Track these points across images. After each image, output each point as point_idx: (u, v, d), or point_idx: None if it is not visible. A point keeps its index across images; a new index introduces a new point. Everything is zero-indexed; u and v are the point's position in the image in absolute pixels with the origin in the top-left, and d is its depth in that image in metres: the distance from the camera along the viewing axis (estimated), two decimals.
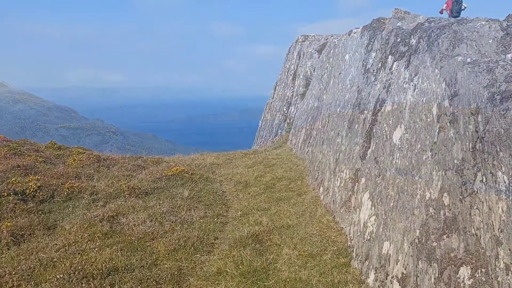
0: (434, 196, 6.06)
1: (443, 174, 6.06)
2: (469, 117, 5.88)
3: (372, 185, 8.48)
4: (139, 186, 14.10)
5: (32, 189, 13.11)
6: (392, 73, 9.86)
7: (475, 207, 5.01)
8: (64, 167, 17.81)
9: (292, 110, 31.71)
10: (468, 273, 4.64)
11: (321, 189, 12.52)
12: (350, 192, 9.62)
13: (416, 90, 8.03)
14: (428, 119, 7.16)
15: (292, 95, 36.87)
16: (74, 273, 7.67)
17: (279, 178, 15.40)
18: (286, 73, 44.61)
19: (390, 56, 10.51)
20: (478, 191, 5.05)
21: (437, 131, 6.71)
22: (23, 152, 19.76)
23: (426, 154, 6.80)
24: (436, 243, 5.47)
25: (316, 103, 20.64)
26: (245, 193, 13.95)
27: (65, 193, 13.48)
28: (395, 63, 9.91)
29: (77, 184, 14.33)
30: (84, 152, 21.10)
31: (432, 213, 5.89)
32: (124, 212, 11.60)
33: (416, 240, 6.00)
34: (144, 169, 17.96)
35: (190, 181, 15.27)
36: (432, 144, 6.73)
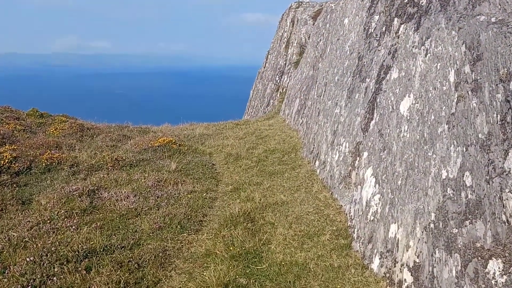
0: (452, 175, 5.33)
1: (464, 150, 5.31)
2: (496, 85, 5.08)
3: (376, 160, 7.74)
4: (124, 158, 13.25)
5: (7, 160, 12.17)
6: (398, 37, 8.97)
7: (507, 190, 4.28)
8: (45, 136, 16.83)
9: (285, 79, 30.70)
10: (499, 268, 3.96)
11: (317, 162, 11.79)
12: (350, 167, 8.88)
13: (429, 55, 7.18)
14: (444, 87, 6.35)
15: (285, 63, 35.76)
16: (47, 255, 6.91)
17: (272, 151, 14.64)
18: (279, 41, 43.29)
19: (396, 19, 9.58)
20: (511, 171, 4.32)
21: (455, 100, 5.91)
22: (1, 120, 18.71)
23: (441, 126, 6.03)
24: (457, 230, 4.78)
25: (311, 71, 19.69)
26: (236, 166, 13.19)
27: (44, 164, 12.57)
28: (402, 26, 9.00)
29: (57, 154, 13.42)
30: (67, 121, 20.09)
31: (451, 195, 5.18)
32: (106, 185, 10.79)
33: (432, 225, 5.31)
34: (130, 139, 17.06)
35: (178, 153, 14.45)
36: (449, 115, 5.95)
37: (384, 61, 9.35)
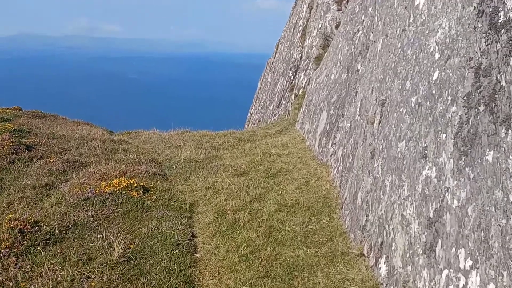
0: None
1: None
2: None
3: None
4: (40, 223, 7.75)
5: None
6: None
7: None
8: None
9: (302, 77, 25.00)
10: None
11: (384, 268, 6.21)
12: None
13: None
14: None
15: (301, 57, 30.05)
16: None
17: (290, 207, 9.08)
18: (292, 30, 37.54)
19: None
20: None
21: None
22: None
23: None
24: None
25: (344, 74, 14.06)
26: (230, 246, 7.64)
27: None
28: None
29: None
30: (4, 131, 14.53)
31: None
32: None
33: None
34: (81, 170, 11.63)
35: (138, 209, 8.92)
36: None
37: None
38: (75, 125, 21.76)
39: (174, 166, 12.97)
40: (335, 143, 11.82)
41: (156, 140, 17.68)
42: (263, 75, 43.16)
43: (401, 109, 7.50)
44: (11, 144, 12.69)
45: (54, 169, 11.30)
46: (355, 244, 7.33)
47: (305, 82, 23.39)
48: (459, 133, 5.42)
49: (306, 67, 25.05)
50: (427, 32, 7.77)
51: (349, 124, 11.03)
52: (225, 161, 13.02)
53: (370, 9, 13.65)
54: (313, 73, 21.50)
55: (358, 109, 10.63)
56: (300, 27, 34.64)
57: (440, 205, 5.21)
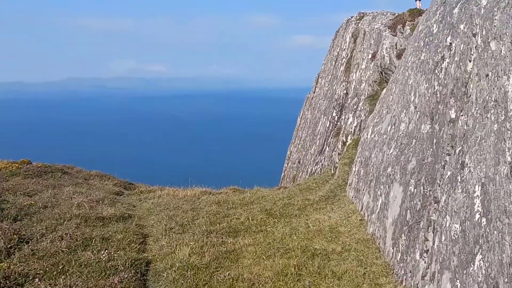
0: None
1: None
2: None
3: None
4: None
5: None
6: None
7: None
8: None
9: (350, 120, 20.08)
10: None
11: None
12: None
13: None
14: None
15: (346, 93, 25.28)
16: None
17: None
18: (334, 62, 33.00)
19: None
20: None
21: None
22: None
23: None
24: None
25: (426, 124, 9.10)
26: None
27: None
28: None
29: None
30: None
31: None
32: None
33: None
34: None
35: None
36: None
37: None
38: (85, 180, 17.95)
39: (164, 275, 8.36)
40: (427, 251, 6.77)
41: (163, 208, 13.54)
42: (303, 110, 39.31)
43: None
44: None
45: None
46: None
47: (355, 126, 18.50)
48: None
49: (355, 107, 20.19)
50: None
51: (458, 225, 6.00)
52: (241, 268, 8.24)
53: (462, 26, 8.73)
54: (365, 115, 16.62)
55: (478, 201, 5.63)
56: (344, 59, 30.11)
57: None
